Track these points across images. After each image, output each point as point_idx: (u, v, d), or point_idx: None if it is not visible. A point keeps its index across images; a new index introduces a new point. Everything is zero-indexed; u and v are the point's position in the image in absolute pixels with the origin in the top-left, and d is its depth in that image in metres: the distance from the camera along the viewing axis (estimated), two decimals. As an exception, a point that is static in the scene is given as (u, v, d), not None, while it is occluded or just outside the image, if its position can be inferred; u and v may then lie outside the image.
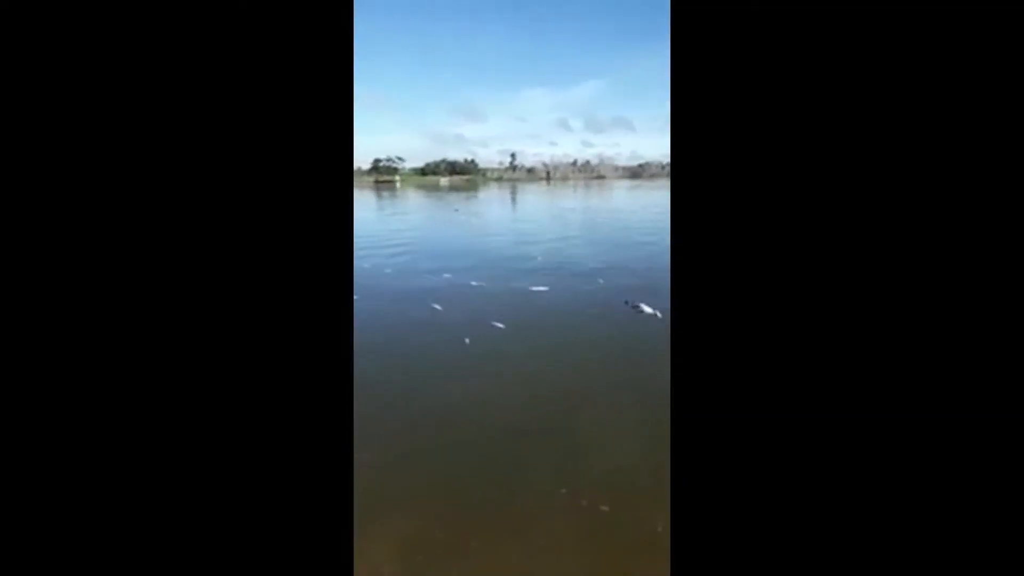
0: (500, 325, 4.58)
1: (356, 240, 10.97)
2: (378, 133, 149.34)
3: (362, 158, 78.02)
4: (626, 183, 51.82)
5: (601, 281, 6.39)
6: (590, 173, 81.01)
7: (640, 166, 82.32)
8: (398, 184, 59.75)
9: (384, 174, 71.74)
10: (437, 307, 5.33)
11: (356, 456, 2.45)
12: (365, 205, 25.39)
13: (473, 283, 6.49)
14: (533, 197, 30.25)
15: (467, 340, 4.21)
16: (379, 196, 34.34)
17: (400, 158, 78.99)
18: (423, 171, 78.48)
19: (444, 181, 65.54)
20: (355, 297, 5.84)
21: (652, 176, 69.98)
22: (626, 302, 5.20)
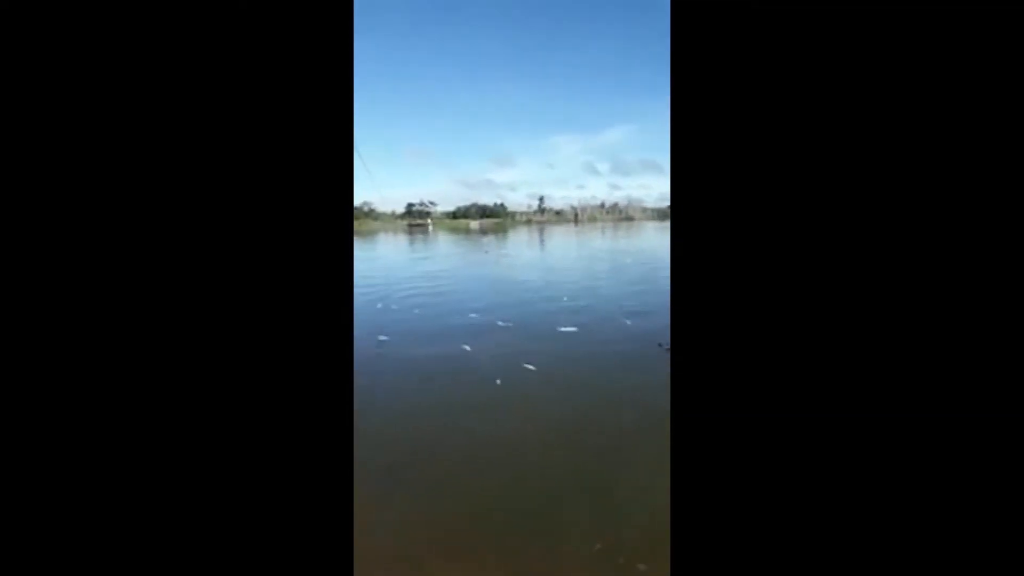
0: (531, 367, 4.51)
1: (384, 281, 11.30)
2: (413, 181, 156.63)
3: (397, 203, 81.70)
4: (654, 224, 51.78)
5: (629, 323, 6.26)
6: (618, 215, 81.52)
7: (669, 207, 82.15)
8: (430, 227, 61.81)
9: (417, 218, 74.53)
10: (467, 348, 5.32)
11: (391, 501, 2.41)
12: (396, 248, 26.27)
13: (500, 323, 6.48)
14: (560, 239, 30.56)
15: (498, 381, 4.17)
16: (411, 239, 35.55)
17: (432, 203, 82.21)
18: (454, 215, 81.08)
19: (474, 224, 67.35)
20: (384, 338, 5.93)
21: (681, 217, 69.32)
22: (660, 345, 5.06)
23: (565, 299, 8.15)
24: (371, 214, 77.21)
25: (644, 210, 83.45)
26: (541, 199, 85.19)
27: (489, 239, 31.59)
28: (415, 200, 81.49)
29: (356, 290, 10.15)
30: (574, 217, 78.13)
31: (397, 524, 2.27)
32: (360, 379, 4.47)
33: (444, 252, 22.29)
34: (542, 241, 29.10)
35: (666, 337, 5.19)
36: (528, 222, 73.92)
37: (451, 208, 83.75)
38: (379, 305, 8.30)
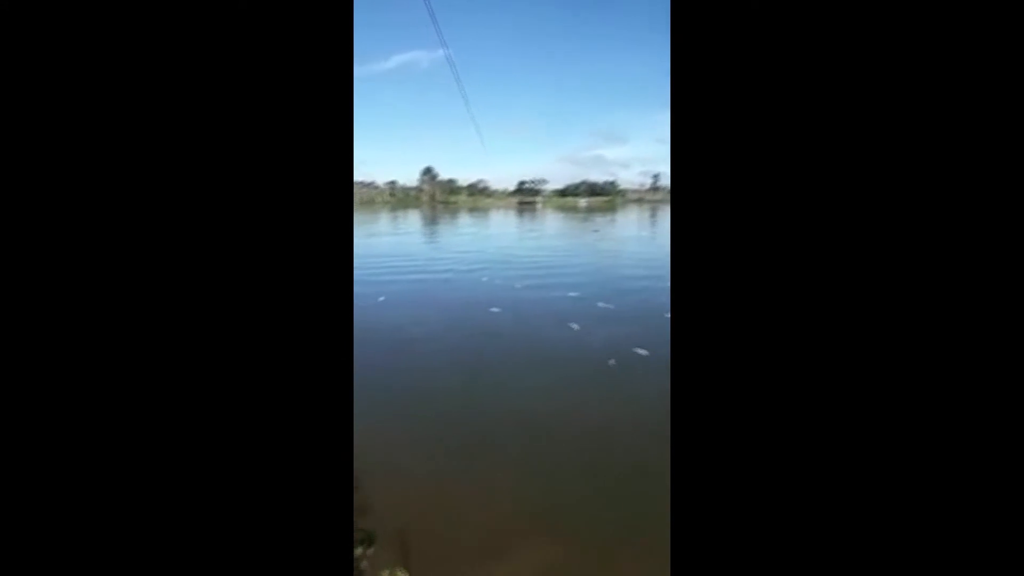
0: (643, 351, 4.46)
1: (493, 257, 11.72)
2: (524, 159, 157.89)
3: (509, 180, 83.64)
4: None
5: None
6: (744, 194, 73.00)
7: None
8: (539, 205, 62.30)
9: (527, 195, 75.57)
10: (575, 327, 5.45)
11: (498, 476, 2.61)
12: (506, 225, 27.04)
13: (600, 304, 6.48)
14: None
15: (612, 362, 4.24)
16: (521, 216, 36.25)
17: (543, 180, 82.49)
18: (563, 193, 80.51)
19: (583, 202, 66.19)
20: (496, 310, 6.34)
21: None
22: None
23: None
24: (484, 191, 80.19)
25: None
26: (655, 177, 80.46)
27: (595, 219, 30.86)
28: (526, 178, 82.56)
29: (466, 263, 10.87)
30: (692, 196, 71.92)
31: (514, 497, 2.45)
32: (480, 353, 4.88)
33: (550, 231, 22.41)
34: (652, 221, 27.64)
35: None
36: (639, 201, 70.37)
37: (560, 186, 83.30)
38: (484, 279, 8.83)
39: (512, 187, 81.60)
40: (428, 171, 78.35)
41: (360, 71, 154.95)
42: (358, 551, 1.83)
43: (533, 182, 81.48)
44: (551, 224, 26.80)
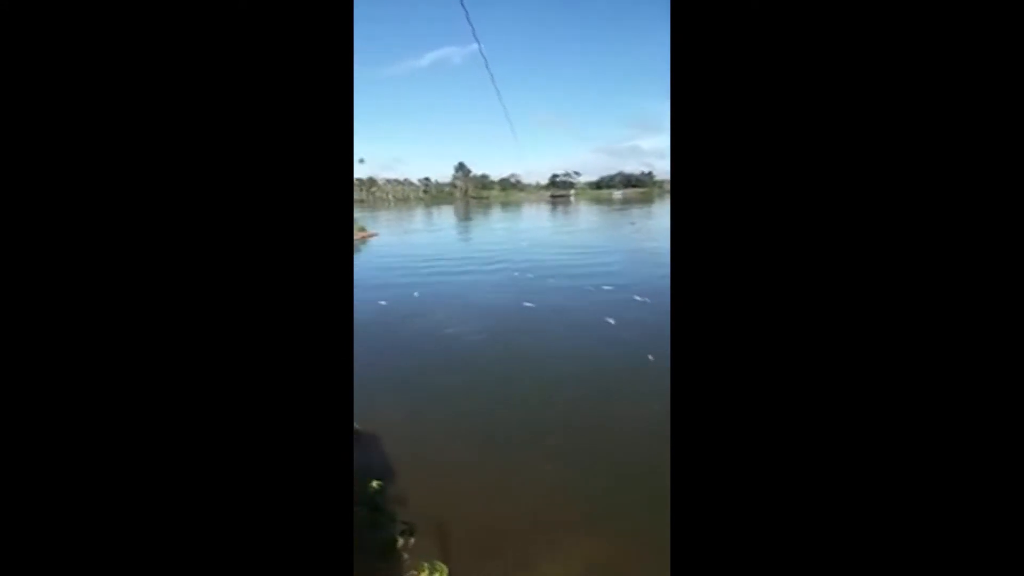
0: None
1: (528, 252, 11.77)
2: (558, 152, 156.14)
3: (541, 174, 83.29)
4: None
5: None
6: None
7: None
8: (572, 198, 61.73)
9: (560, 188, 75.01)
10: (611, 321, 5.43)
11: (540, 467, 2.68)
12: (538, 219, 26.93)
13: (636, 298, 6.41)
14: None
15: (651, 358, 4.21)
16: (553, 210, 36.09)
17: (576, 172, 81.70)
18: (598, 185, 79.40)
19: (618, 194, 65.06)
20: (530, 304, 6.38)
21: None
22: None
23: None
24: (517, 185, 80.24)
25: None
26: (694, 166, 77.69)
27: (632, 211, 30.30)
28: (559, 171, 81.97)
29: (498, 260, 10.94)
30: (733, 185, 69.31)
31: (556, 493, 2.51)
32: (524, 340, 4.94)
33: (584, 225, 22.18)
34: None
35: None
36: (677, 192, 68.27)
37: (595, 178, 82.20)
38: (515, 274, 8.91)
39: (545, 180, 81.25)
40: (461, 167, 79.14)
41: (397, 69, 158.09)
42: (400, 542, 1.92)
43: (566, 175, 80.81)
44: (585, 218, 26.53)
